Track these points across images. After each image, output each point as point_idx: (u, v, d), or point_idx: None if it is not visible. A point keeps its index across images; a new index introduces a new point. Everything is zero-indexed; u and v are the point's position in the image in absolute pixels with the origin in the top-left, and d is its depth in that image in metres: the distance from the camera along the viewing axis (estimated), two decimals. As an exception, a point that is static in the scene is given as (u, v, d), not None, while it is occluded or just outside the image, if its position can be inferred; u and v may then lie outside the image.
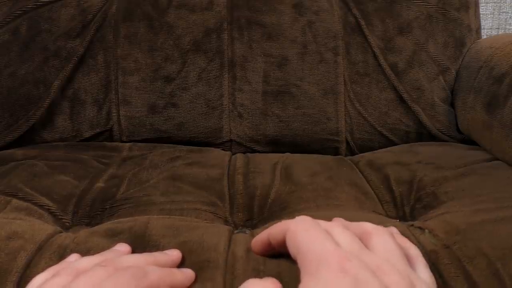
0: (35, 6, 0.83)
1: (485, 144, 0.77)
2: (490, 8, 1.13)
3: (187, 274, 0.40)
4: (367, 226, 0.37)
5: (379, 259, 0.33)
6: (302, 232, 0.35)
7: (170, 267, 0.41)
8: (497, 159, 0.71)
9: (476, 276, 0.43)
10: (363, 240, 0.36)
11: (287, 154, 0.78)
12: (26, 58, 0.82)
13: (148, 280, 0.36)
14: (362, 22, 0.85)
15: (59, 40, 0.83)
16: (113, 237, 0.45)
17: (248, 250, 0.44)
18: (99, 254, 0.42)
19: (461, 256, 0.45)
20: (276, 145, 0.84)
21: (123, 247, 0.43)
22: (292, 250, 0.35)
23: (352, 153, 0.85)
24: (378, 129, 0.84)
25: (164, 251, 0.43)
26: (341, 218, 0.42)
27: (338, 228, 0.36)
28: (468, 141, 0.83)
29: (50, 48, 0.83)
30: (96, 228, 0.50)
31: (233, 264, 0.42)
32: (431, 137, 0.85)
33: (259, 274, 0.41)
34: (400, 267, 0.33)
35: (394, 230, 0.45)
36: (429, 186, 0.63)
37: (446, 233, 0.49)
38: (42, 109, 0.82)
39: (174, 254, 0.42)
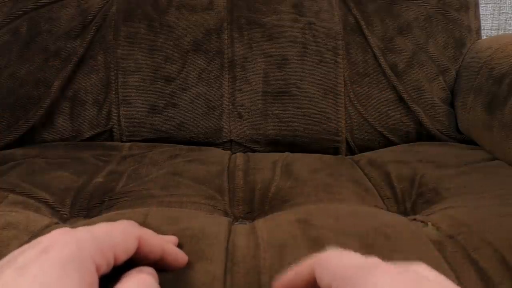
0: (35, 6, 0.83)
1: (485, 145, 0.76)
2: (490, 8, 1.13)
3: (182, 253, 0.38)
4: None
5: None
6: (336, 257, 0.30)
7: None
8: (497, 159, 0.71)
9: (483, 263, 0.43)
10: None
11: (287, 153, 0.78)
12: (26, 59, 0.82)
13: (142, 230, 0.34)
14: (362, 23, 0.85)
15: (59, 40, 0.83)
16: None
17: (248, 239, 0.44)
18: None
19: (466, 245, 0.45)
20: (276, 145, 0.84)
21: None
22: (326, 277, 0.30)
23: (352, 153, 0.84)
24: (378, 129, 0.84)
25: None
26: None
27: None
28: (468, 141, 0.82)
29: (50, 49, 0.83)
30: (94, 219, 0.49)
31: (233, 252, 0.41)
32: (431, 137, 0.85)
33: (259, 261, 0.41)
34: None
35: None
36: (431, 183, 0.63)
37: (450, 226, 0.49)
38: (42, 109, 0.81)
39: (171, 237, 0.41)
